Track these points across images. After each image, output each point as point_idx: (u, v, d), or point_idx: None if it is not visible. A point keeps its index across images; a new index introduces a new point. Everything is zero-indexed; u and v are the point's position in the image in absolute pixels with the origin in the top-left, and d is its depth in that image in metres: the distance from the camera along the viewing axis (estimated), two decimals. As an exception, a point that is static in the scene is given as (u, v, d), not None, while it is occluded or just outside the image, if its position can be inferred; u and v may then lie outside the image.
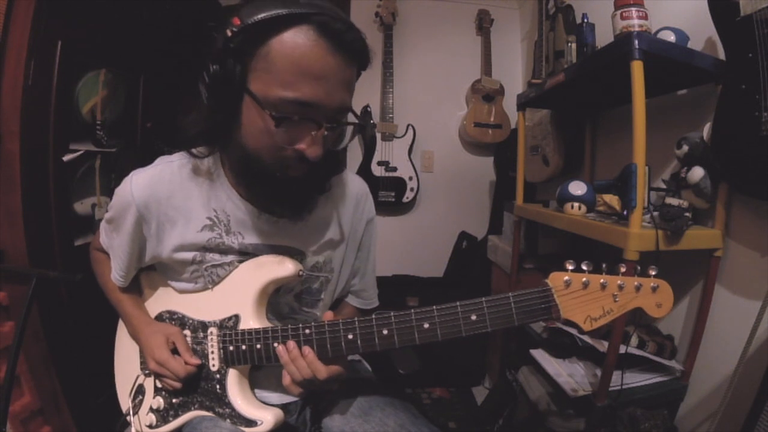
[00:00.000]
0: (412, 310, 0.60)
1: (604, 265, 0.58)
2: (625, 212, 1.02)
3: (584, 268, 0.57)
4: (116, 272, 0.80)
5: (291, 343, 0.65)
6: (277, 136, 0.58)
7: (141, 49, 1.59)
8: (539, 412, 1.17)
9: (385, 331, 0.61)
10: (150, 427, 0.76)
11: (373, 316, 0.62)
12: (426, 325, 0.59)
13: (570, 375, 1.13)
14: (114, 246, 0.78)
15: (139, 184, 0.69)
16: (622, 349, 1.00)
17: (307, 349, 0.64)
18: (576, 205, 1.15)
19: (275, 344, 0.67)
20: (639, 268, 0.60)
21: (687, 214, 0.98)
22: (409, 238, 2.28)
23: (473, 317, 0.58)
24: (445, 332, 0.59)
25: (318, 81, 0.55)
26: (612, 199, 1.09)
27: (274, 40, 0.54)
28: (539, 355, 1.25)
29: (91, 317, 1.32)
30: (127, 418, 0.78)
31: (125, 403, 0.82)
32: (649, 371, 1.09)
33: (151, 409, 0.77)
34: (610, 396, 1.00)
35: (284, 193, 0.65)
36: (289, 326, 0.67)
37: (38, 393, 1.18)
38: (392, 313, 0.61)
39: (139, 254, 0.76)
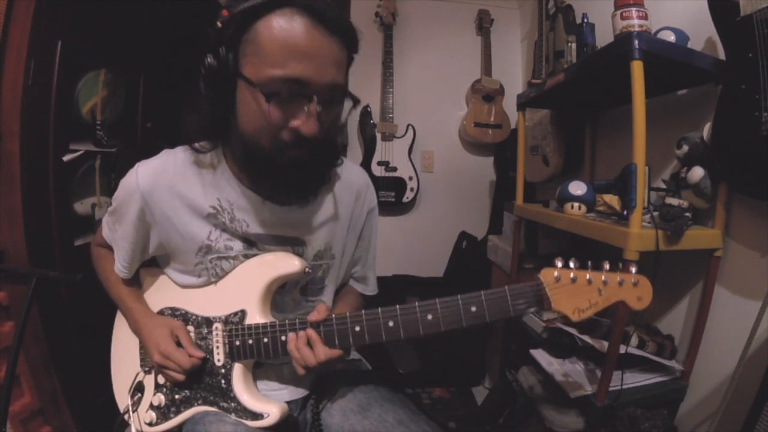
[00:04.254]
0: (416, 303, 0.63)
1: (589, 263, 0.64)
2: (625, 212, 1.02)
3: (572, 265, 0.63)
4: (120, 263, 0.80)
5: (301, 335, 0.68)
6: (271, 115, 0.59)
7: (141, 49, 1.59)
8: (539, 412, 1.17)
9: (390, 323, 0.64)
10: (150, 424, 0.76)
11: (380, 309, 0.65)
12: (429, 317, 0.63)
13: (570, 375, 1.13)
14: (117, 238, 0.79)
15: (143, 173, 0.71)
16: (622, 349, 1.00)
17: (311, 332, 0.67)
18: (576, 205, 1.15)
19: (283, 338, 0.69)
20: (621, 264, 0.64)
21: (687, 214, 0.98)
22: (409, 238, 2.28)
23: (473, 309, 0.62)
24: (447, 322, 0.63)
25: (305, 57, 0.57)
26: (612, 199, 1.09)
27: (260, 24, 0.58)
28: (539, 355, 1.24)
29: (91, 317, 1.31)
30: (125, 416, 0.77)
31: (123, 401, 0.81)
32: (649, 371, 1.09)
33: (152, 406, 0.77)
34: (610, 396, 1.00)
35: (286, 178, 0.66)
36: (297, 320, 0.69)
37: (38, 393, 1.18)
38: (398, 306, 0.64)
39: (143, 244, 0.77)
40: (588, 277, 0.62)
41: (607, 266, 0.63)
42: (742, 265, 1.00)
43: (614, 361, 0.98)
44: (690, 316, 1.12)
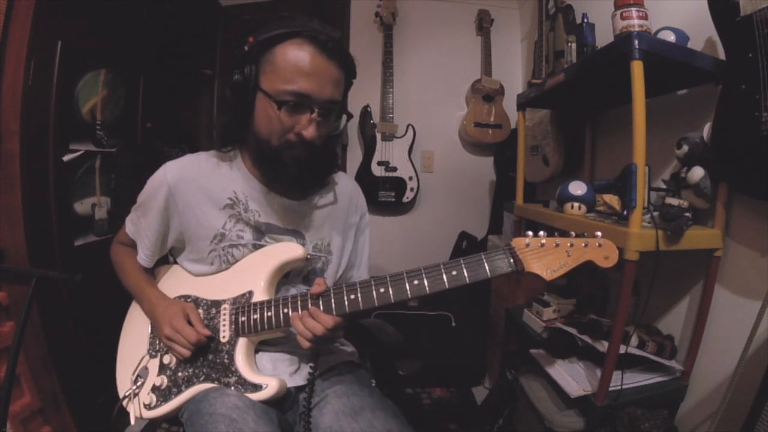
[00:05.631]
0: (404, 271, 0.72)
1: (556, 233, 0.71)
2: (625, 212, 1.02)
3: (541, 233, 0.70)
4: (143, 252, 0.88)
5: (304, 312, 0.74)
6: (281, 119, 0.74)
7: (141, 49, 1.59)
8: (539, 412, 1.17)
9: (381, 289, 0.72)
10: (148, 407, 0.78)
11: (371, 278, 0.73)
12: (416, 282, 0.70)
13: (570, 375, 1.12)
14: (141, 229, 0.88)
15: (171, 169, 0.83)
16: (622, 349, 1.00)
17: (312, 308, 0.73)
18: (576, 205, 1.15)
19: (285, 310, 0.75)
20: (585, 234, 0.71)
21: (687, 214, 0.98)
22: (409, 238, 2.28)
23: (454, 273, 0.70)
24: (432, 286, 0.70)
25: (309, 76, 0.73)
26: (612, 199, 1.09)
27: (277, 49, 0.74)
28: (539, 355, 1.25)
29: (91, 317, 1.32)
30: (124, 402, 0.79)
31: (124, 387, 0.83)
32: (649, 371, 1.09)
33: (153, 388, 0.79)
34: (610, 396, 1.00)
35: (288, 172, 0.79)
36: (299, 294, 0.76)
37: (38, 393, 1.18)
38: (387, 275, 0.72)
39: (164, 233, 0.86)
40: (555, 242, 0.69)
41: (573, 234, 0.71)
42: (742, 265, 1.00)
43: (614, 361, 0.98)
44: (690, 316, 1.12)
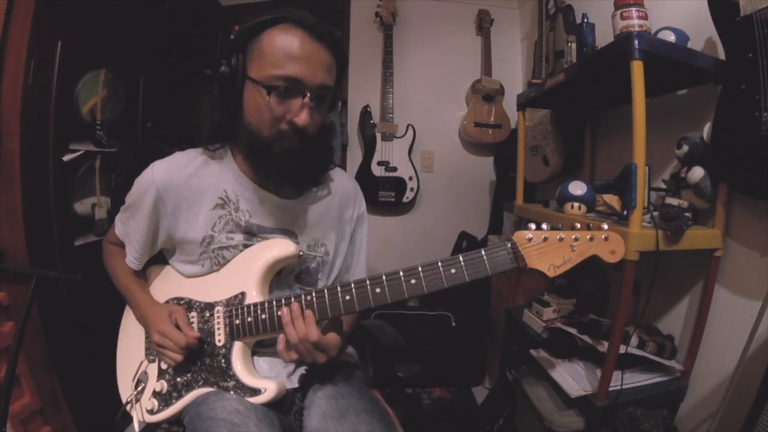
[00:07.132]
0: (401, 270, 0.68)
1: (560, 225, 0.68)
2: (625, 212, 1.02)
3: (544, 227, 0.66)
4: (131, 255, 0.86)
5: (294, 305, 0.71)
6: (271, 106, 0.70)
7: (141, 49, 1.60)
8: (539, 412, 1.17)
9: (377, 290, 0.69)
10: (151, 412, 0.78)
11: (367, 279, 0.70)
12: (413, 281, 0.68)
13: (570, 375, 1.12)
14: (130, 231, 0.85)
15: (159, 170, 0.79)
16: (622, 349, 1.00)
17: (308, 312, 0.71)
18: (576, 205, 1.15)
19: (279, 313, 0.73)
20: (590, 225, 0.68)
21: (687, 214, 0.98)
22: (409, 238, 2.28)
23: (452, 270, 0.67)
24: (430, 285, 0.67)
25: (299, 60, 0.70)
26: (612, 199, 1.09)
27: (264, 35, 0.71)
28: (539, 355, 1.25)
29: (91, 317, 1.32)
30: (127, 407, 0.79)
31: (125, 392, 0.83)
32: (649, 371, 1.09)
33: (154, 393, 0.78)
34: (610, 396, 1.00)
35: (281, 166, 0.75)
36: (292, 295, 0.74)
37: (38, 393, 1.18)
38: (383, 274, 0.69)
39: (153, 235, 0.83)
40: (559, 235, 0.66)
41: (578, 226, 0.67)
42: (742, 265, 1.00)
43: (614, 361, 0.98)
44: (690, 316, 1.12)
